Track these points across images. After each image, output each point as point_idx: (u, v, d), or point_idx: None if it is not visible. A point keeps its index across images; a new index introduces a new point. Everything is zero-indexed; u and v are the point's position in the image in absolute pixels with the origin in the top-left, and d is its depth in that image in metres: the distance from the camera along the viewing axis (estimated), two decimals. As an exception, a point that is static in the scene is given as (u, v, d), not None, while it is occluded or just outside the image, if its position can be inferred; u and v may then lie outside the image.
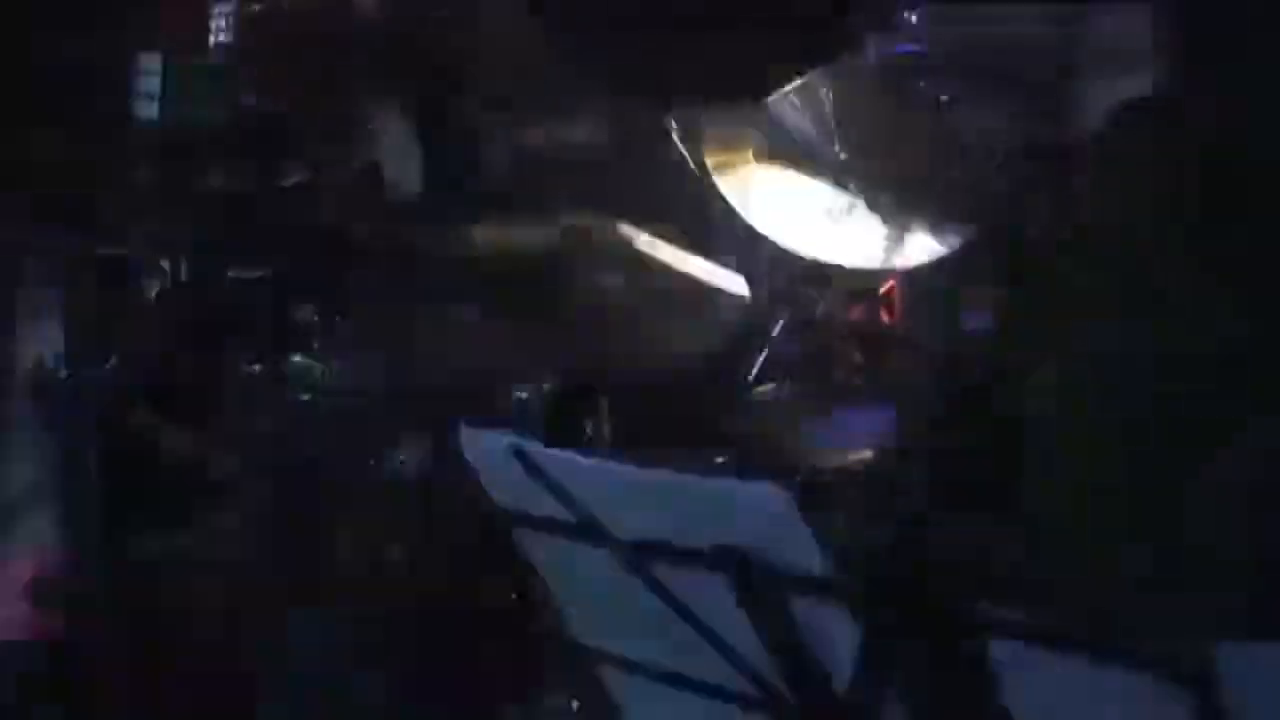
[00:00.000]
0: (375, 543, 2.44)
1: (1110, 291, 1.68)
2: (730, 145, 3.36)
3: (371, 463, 3.02)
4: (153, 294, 1.92)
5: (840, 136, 3.27)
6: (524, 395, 3.05)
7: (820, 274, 3.50)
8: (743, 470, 2.95)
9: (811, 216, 3.28)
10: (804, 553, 1.04)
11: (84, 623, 1.88)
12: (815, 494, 2.79)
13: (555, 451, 1.15)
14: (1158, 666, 0.88)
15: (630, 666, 1.21)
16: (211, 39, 2.85)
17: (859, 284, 4.03)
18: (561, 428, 3.21)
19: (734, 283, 3.22)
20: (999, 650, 0.98)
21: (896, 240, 3.24)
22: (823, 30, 2.25)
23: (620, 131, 3.93)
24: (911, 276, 3.33)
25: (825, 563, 1.04)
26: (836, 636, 1.05)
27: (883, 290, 4.15)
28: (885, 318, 4.23)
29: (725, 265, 3.36)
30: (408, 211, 2.46)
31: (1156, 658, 0.88)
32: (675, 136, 3.39)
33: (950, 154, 3.27)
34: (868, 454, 2.89)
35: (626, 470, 1.19)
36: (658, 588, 1.11)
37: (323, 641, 2.15)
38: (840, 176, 3.26)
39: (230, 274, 2.35)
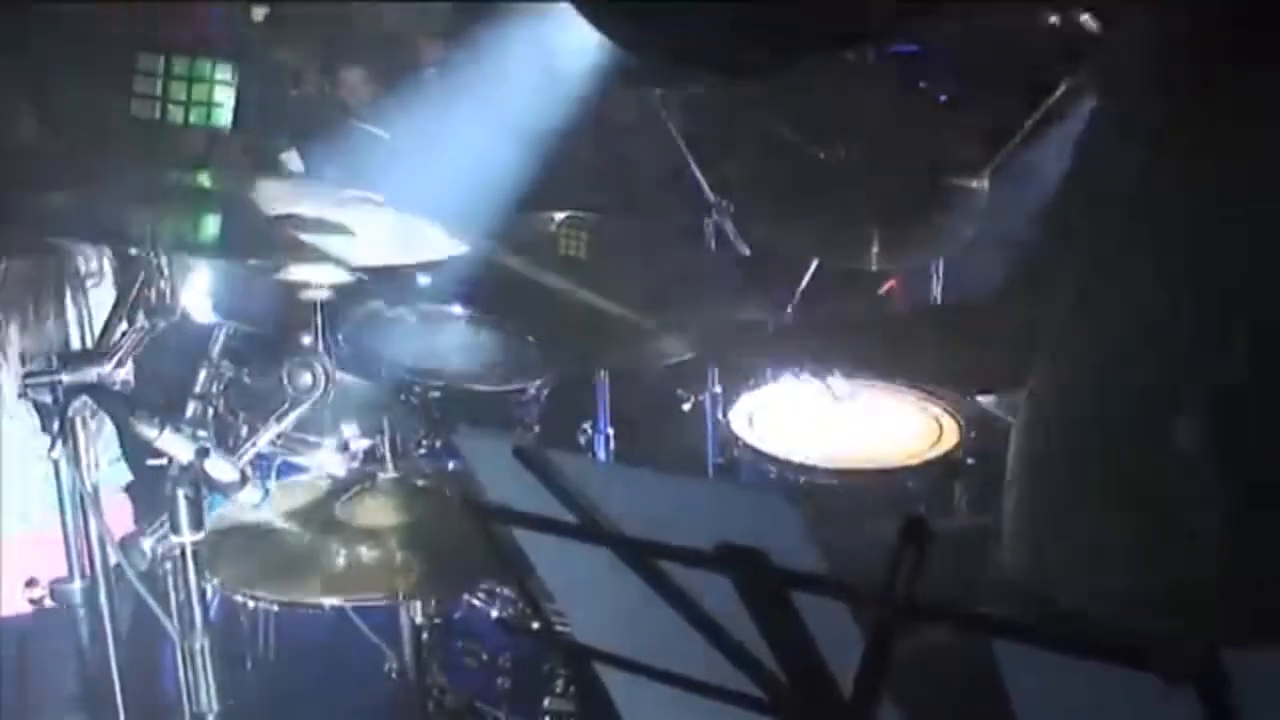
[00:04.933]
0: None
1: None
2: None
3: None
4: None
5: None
6: (524, 396, 3.06)
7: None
8: (744, 473, 2.95)
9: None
10: (806, 554, 1.04)
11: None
12: (819, 496, 2.79)
13: (556, 452, 1.15)
14: (1159, 667, 0.88)
15: (631, 666, 1.21)
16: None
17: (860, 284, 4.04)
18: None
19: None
20: (999, 650, 0.98)
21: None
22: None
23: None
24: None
25: (827, 564, 1.05)
26: (838, 637, 1.05)
27: (883, 290, 4.16)
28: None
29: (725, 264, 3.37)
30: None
31: (1159, 659, 0.88)
32: (673, 129, 3.40)
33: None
34: (870, 457, 2.89)
35: (630, 471, 1.19)
36: (660, 588, 1.11)
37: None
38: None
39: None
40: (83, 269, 2.36)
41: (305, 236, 1.93)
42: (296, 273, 2.41)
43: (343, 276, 2.24)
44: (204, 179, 2.01)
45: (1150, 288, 1.59)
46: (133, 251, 1.92)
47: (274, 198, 2.02)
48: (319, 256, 1.95)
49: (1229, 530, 1.52)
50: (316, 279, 2.35)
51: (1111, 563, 1.61)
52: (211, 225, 1.97)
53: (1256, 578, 1.51)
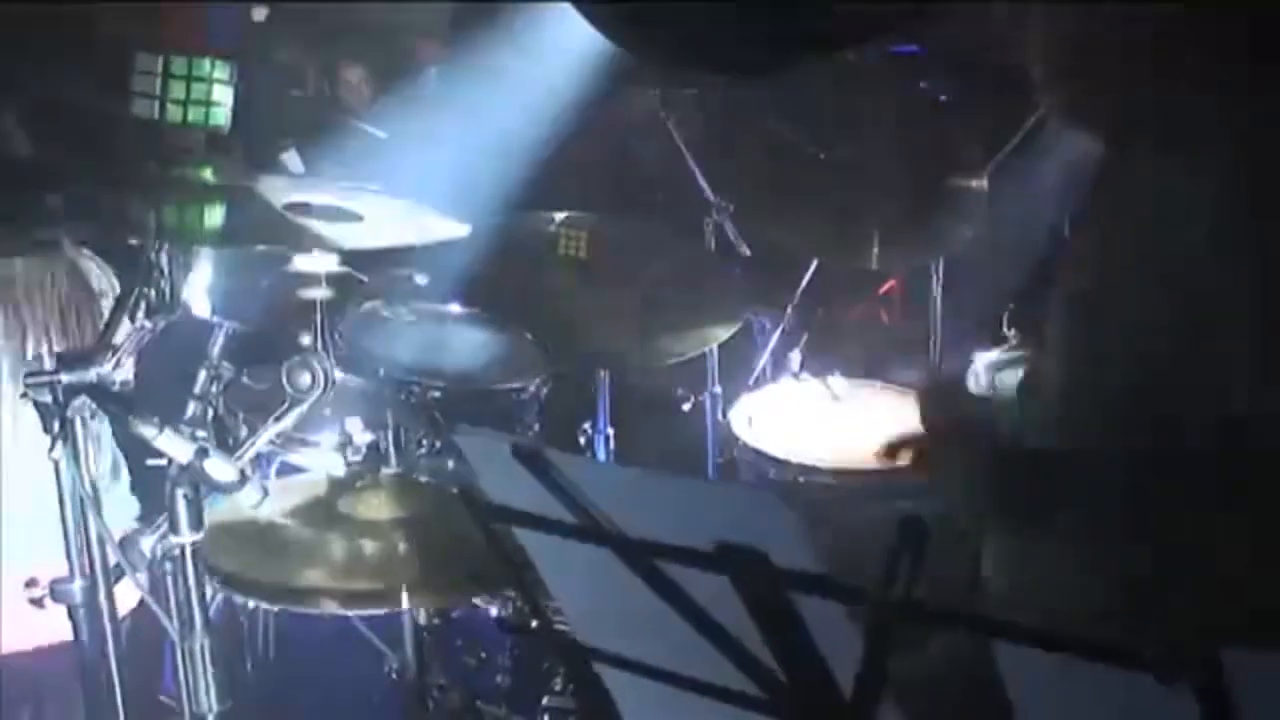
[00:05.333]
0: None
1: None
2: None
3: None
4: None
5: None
6: (523, 395, 3.06)
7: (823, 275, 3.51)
8: (744, 473, 2.96)
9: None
10: (805, 554, 1.04)
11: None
12: (819, 496, 2.79)
13: (555, 452, 1.15)
14: (1159, 667, 0.88)
15: (630, 666, 1.21)
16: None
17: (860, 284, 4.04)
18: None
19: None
20: (999, 650, 0.98)
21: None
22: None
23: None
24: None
25: (826, 564, 1.05)
26: (838, 637, 1.05)
27: (883, 290, 4.16)
28: (885, 317, 4.25)
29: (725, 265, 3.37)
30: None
31: (1158, 659, 0.88)
32: (673, 128, 3.40)
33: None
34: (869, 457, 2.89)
35: (628, 471, 1.19)
36: (659, 587, 1.11)
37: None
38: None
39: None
40: (96, 287, 2.35)
41: (313, 222, 1.92)
42: (302, 262, 2.41)
43: (343, 266, 2.23)
44: (206, 173, 2.01)
45: (1136, 291, 1.59)
46: (133, 242, 1.91)
47: (277, 189, 2.02)
48: (327, 243, 1.94)
49: (1227, 532, 1.51)
50: (322, 266, 2.36)
51: (1109, 565, 1.61)
52: (216, 214, 1.96)
53: (1256, 578, 1.51)
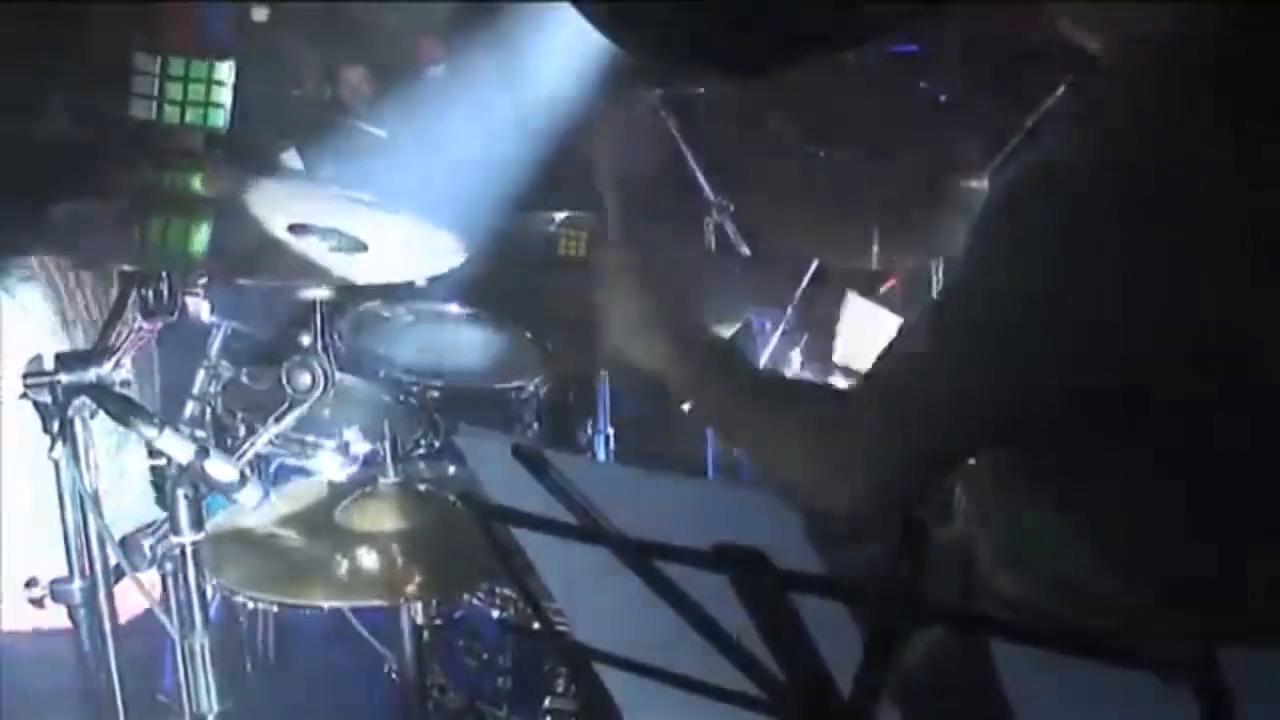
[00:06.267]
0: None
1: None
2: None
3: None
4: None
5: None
6: (523, 394, 3.06)
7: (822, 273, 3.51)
8: (744, 473, 2.95)
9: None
10: (806, 554, 1.04)
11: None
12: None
13: (555, 452, 1.15)
14: (1159, 667, 0.88)
15: (631, 666, 1.21)
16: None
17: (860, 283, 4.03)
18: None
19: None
20: (999, 650, 0.98)
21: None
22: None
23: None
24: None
25: (827, 564, 1.05)
26: (838, 637, 1.05)
27: (883, 290, 4.16)
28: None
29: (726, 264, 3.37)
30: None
31: (1157, 658, 0.88)
32: (673, 129, 3.40)
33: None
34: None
35: (628, 471, 1.19)
36: (659, 588, 1.11)
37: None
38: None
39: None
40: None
41: (315, 256, 1.92)
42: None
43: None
44: (201, 187, 2.00)
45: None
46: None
47: (275, 203, 2.01)
48: (330, 277, 1.93)
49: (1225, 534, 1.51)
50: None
51: (1108, 567, 1.61)
52: (205, 241, 1.96)
53: (1254, 578, 1.51)
